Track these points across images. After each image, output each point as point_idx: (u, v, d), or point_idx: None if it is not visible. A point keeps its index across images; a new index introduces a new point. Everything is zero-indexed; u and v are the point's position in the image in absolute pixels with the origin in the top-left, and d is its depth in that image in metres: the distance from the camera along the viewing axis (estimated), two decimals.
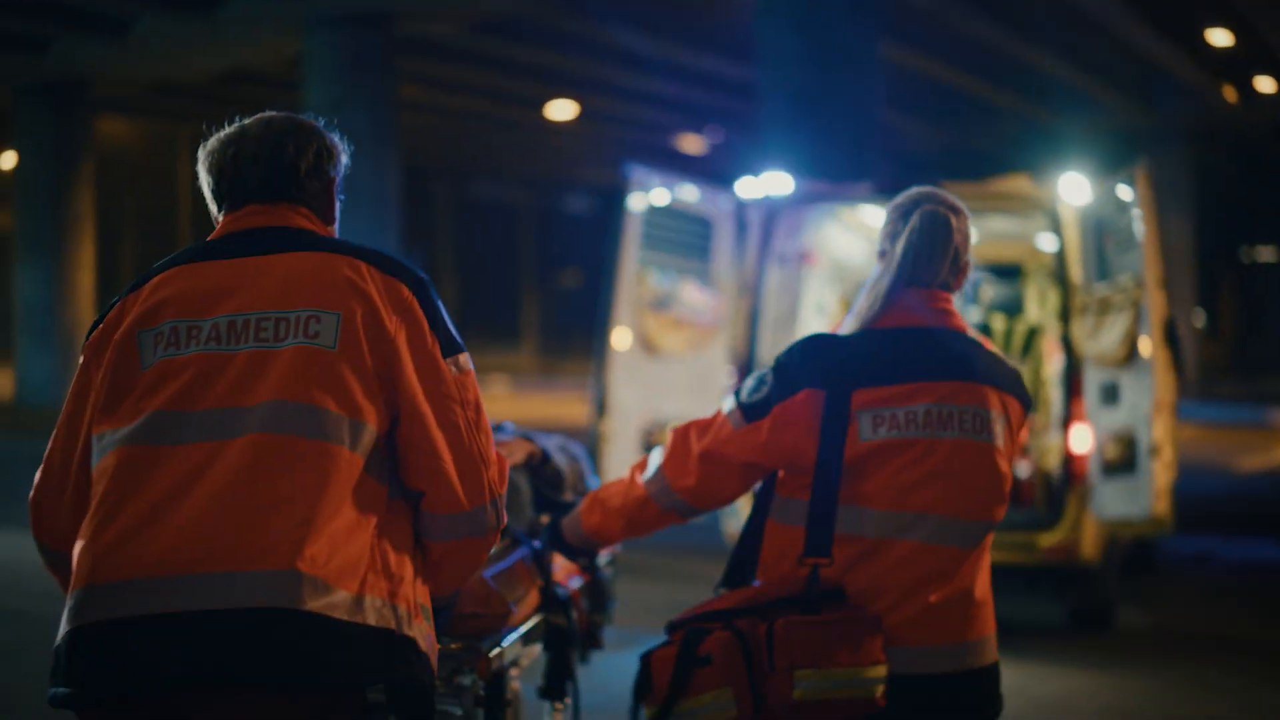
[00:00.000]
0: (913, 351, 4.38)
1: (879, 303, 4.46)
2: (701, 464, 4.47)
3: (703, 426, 4.52)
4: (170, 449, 3.43)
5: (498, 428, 5.59)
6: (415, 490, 3.64)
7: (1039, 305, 14.11)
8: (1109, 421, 10.79)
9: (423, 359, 3.59)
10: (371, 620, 3.41)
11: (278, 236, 3.68)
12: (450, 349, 3.66)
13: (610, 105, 41.09)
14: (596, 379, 11.74)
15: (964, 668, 4.30)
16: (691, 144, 48.78)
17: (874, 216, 13.55)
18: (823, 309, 13.41)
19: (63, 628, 3.39)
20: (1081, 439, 10.98)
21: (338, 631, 3.34)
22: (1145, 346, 10.32)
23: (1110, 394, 10.81)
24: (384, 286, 3.59)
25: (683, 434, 4.55)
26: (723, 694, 4.17)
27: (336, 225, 3.92)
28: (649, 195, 11.98)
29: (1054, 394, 12.66)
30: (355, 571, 3.40)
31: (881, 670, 4.13)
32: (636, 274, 11.96)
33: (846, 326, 4.52)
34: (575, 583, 5.50)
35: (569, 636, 5.18)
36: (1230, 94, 38.45)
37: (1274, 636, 12.30)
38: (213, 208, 3.83)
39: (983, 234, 14.09)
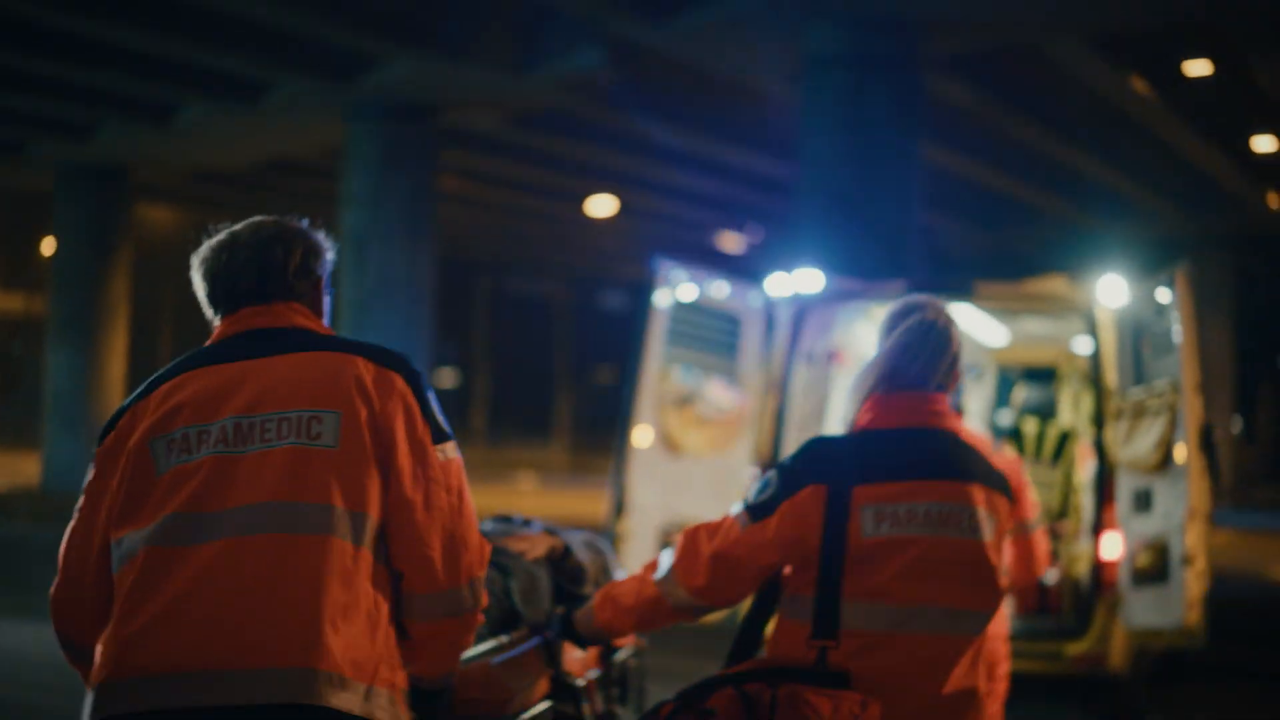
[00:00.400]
0: (912, 451, 4.57)
1: (866, 396, 4.69)
2: (712, 564, 4.58)
3: (712, 529, 4.65)
4: (187, 549, 3.58)
5: (525, 524, 5.94)
6: (397, 571, 3.81)
7: (1072, 409, 13.89)
8: (1141, 529, 10.55)
9: (414, 446, 3.79)
10: (379, 715, 3.60)
11: (278, 337, 3.90)
12: (439, 437, 3.86)
13: (650, 201, 41.06)
14: (616, 477, 11.48)
15: None
16: (731, 242, 48.73)
17: None
18: None
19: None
20: (1112, 546, 10.75)
21: None
22: (1180, 453, 10.10)
23: (1143, 501, 10.58)
24: (379, 378, 3.81)
25: (692, 536, 4.67)
26: None
27: (327, 317, 4.11)
28: (675, 290, 11.77)
29: (1085, 500, 12.41)
30: (369, 664, 3.60)
31: None
32: (660, 370, 11.73)
33: (841, 426, 4.77)
34: (593, 674, 5.67)
35: None
36: (1274, 201, 38.26)
37: None
38: (208, 311, 4.06)
39: (1017, 336, 13.94)
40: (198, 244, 4.07)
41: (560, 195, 40.45)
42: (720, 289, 12.20)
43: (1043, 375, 14.33)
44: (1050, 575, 11.83)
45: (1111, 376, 11.13)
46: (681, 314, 11.92)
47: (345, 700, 3.52)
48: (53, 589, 3.88)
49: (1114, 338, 11.16)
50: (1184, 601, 9.90)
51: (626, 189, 38.71)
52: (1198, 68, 26.07)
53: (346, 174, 28.09)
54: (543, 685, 5.20)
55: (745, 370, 12.47)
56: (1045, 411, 14.04)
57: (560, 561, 5.72)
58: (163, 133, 30.47)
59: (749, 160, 34.12)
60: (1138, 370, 10.91)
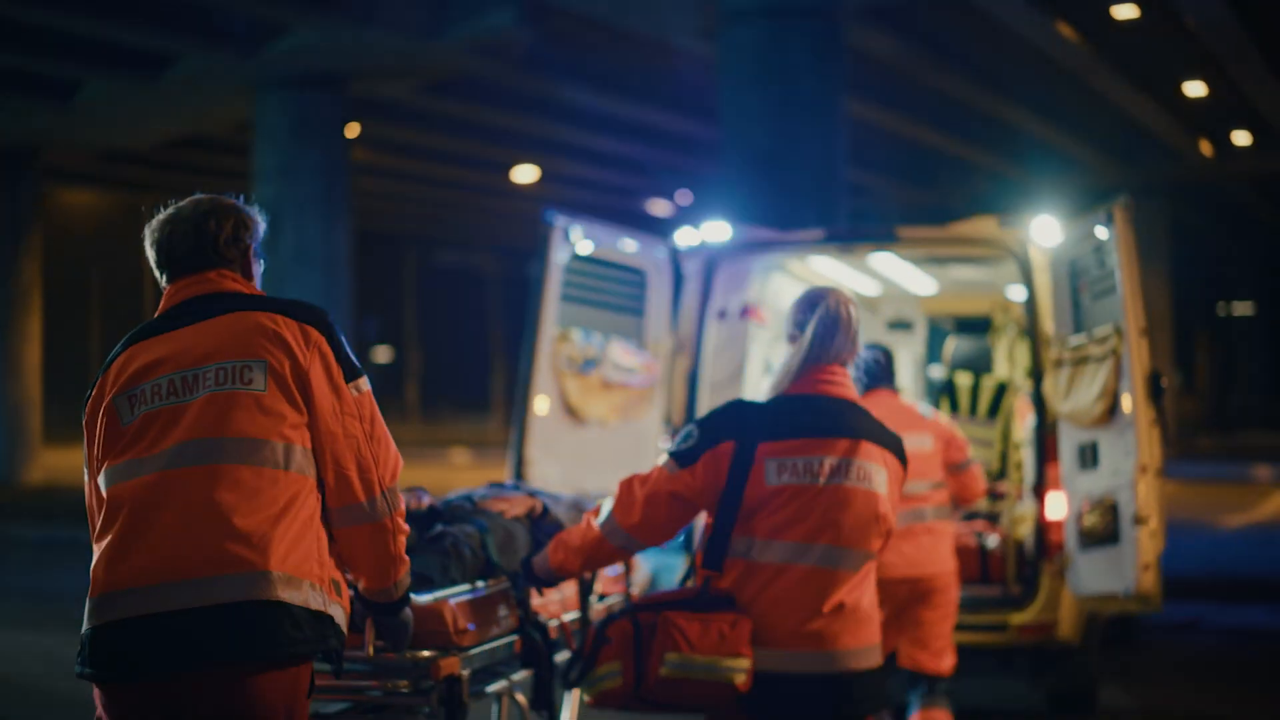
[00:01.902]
0: (811, 414, 5.47)
1: (791, 377, 5.55)
2: (645, 504, 5.48)
3: (644, 477, 5.55)
4: (140, 481, 4.39)
5: (514, 488, 7.25)
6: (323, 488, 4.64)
7: (1008, 361, 13.19)
8: (1087, 486, 9.79)
9: (331, 386, 4.61)
10: (315, 605, 4.42)
11: (212, 302, 4.65)
12: (351, 375, 4.67)
13: (574, 168, 40.67)
14: (513, 450, 10.66)
15: (834, 670, 5.35)
16: (660, 207, 48.26)
17: (826, 267, 12.62)
18: (772, 369, 12.22)
19: (85, 624, 4.38)
20: (1057, 506, 10.03)
21: (296, 615, 4.35)
22: (1127, 403, 9.34)
23: (1088, 456, 9.82)
24: (298, 331, 4.59)
25: (627, 483, 5.59)
26: (614, 666, 5.40)
27: (258, 280, 4.86)
28: (574, 246, 10.91)
29: (1026, 457, 11.60)
30: (308, 564, 4.43)
31: (743, 663, 5.22)
32: (559, 332, 10.88)
33: (764, 396, 5.63)
34: (569, 616, 6.67)
35: (543, 659, 6.31)
36: (1206, 148, 38.04)
37: (1262, 716, 11.71)
38: (158, 275, 4.76)
39: (947, 285, 13.31)
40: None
41: (481, 164, 40.07)
42: (626, 244, 11.35)
43: (976, 326, 13.65)
44: (991, 540, 11.06)
45: (1048, 324, 10.39)
46: (581, 271, 11.06)
47: (290, 594, 4.33)
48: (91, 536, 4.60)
49: (1049, 282, 10.42)
50: (1137, 564, 9.09)
51: (549, 156, 38.31)
52: (1125, 11, 25.71)
53: (258, 147, 27.87)
54: (512, 621, 6.19)
55: (653, 331, 11.63)
56: (979, 365, 13.33)
57: (539, 520, 6.76)
58: (67, 111, 30.18)
59: (673, 122, 33.73)
60: (1077, 317, 10.16)
